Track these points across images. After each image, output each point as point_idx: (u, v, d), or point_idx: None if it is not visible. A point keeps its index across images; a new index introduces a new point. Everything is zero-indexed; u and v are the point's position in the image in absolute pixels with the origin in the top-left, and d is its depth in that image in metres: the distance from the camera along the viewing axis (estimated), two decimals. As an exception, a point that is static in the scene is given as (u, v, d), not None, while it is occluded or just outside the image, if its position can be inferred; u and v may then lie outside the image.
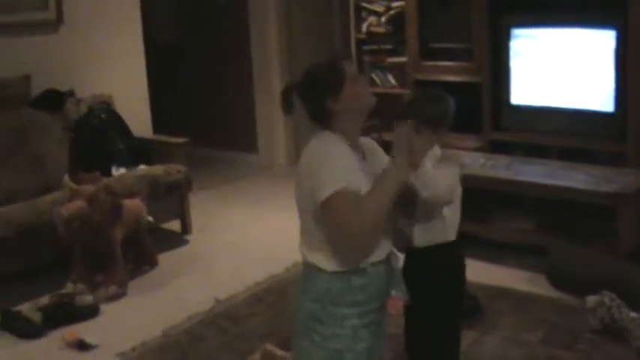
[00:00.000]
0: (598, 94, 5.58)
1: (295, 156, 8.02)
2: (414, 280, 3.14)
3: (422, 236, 3.21)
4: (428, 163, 3.13)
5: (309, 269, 2.97)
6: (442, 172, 3.19)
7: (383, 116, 3.74)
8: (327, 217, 2.83)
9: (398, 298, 4.00)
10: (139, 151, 6.23)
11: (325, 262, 2.91)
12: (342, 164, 2.85)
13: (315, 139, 2.96)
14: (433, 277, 3.27)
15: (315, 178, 2.83)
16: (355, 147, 2.99)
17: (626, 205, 4.93)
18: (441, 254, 3.23)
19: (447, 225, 3.21)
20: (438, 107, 3.30)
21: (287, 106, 3.04)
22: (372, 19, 7.22)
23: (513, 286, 5.01)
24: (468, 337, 4.28)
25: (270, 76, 8.20)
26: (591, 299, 4.41)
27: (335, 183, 2.79)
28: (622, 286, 4.48)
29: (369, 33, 7.24)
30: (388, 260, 3.03)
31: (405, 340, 3.43)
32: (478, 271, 5.19)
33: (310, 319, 2.96)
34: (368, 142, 3.14)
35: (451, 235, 3.25)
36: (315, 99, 2.98)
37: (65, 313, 4.80)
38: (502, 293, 4.90)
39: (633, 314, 4.21)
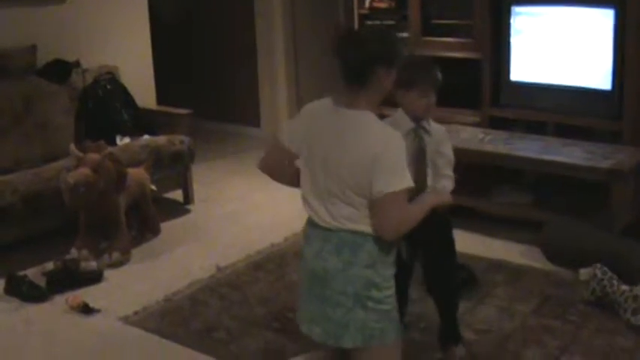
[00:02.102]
0: (596, 72, 5.63)
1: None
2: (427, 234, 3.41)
3: None
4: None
5: (353, 238, 3.00)
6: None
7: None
8: (388, 207, 2.93)
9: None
10: (143, 122, 6.30)
11: (371, 229, 3.01)
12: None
13: (370, 119, 2.98)
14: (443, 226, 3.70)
15: (387, 168, 2.90)
16: None
17: (621, 181, 5.00)
18: None
19: None
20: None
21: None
22: (375, -6, 7.27)
23: (509, 258, 5.10)
24: (462, 307, 4.37)
25: (274, 51, 8.25)
26: (584, 272, 4.51)
27: (407, 180, 2.93)
28: (615, 259, 4.57)
29: (372, 8, 7.27)
30: None
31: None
32: (474, 244, 5.31)
33: (365, 287, 3.02)
34: None
35: None
36: (371, 58, 2.96)
37: (69, 279, 4.88)
38: (497, 265, 4.99)
39: (624, 287, 4.29)
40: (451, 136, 5.62)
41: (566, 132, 5.72)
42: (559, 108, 5.83)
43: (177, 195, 6.42)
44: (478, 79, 6.22)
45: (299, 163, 3.14)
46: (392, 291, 3.13)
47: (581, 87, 5.73)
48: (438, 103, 6.30)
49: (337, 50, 3.01)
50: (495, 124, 6.11)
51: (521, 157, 5.37)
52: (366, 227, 3.00)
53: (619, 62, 5.47)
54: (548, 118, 5.89)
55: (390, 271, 3.11)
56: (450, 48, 6.45)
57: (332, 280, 3.05)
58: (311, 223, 3.15)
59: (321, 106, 3.13)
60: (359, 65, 2.96)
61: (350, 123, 2.99)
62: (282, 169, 3.26)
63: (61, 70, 6.11)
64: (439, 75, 3.58)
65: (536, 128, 5.90)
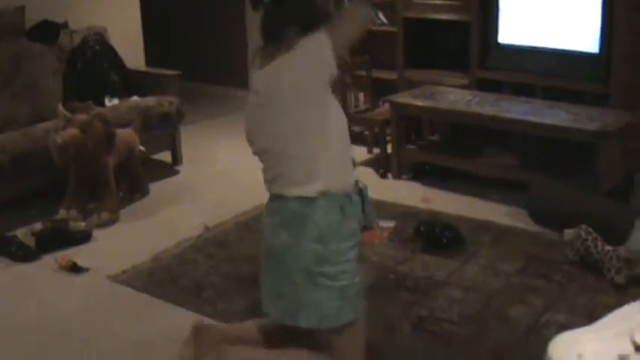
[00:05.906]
0: (584, 35, 5.65)
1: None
2: None
3: None
4: None
5: (304, 206, 2.91)
6: None
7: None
8: None
9: (378, 228, 4.23)
10: (131, 83, 6.29)
11: (325, 182, 2.92)
12: None
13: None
14: None
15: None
16: None
17: (607, 143, 5.04)
18: None
19: None
20: None
21: None
22: (364, -44, 7.23)
23: (495, 219, 5.13)
24: (449, 266, 4.46)
25: (263, 13, 8.21)
26: (568, 232, 4.57)
27: None
28: (599, 221, 4.59)
29: (361, -30, 7.25)
30: (360, 190, 3.10)
31: None
32: (461, 204, 5.37)
33: (315, 262, 2.92)
34: None
35: None
36: (286, 19, 2.94)
37: (59, 239, 4.90)
38: (483, 226, 5.03)
39: (608, 247, 4.33)
40: (439, 98, 5.72)
41: (554, 95, 5.74)
42: (547, 71, 5.85)
43: (165, 156, 6.43)
44: (466, 41, 6.23)
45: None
46: (349, 265, 3.00)
47: (569, 50, 5.75)
48: (427, 65, 6.34)
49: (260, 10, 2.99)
50: (483, 86, 6.12)
51: (507, 119, 5.39)
52: (317, 186, 2.92)
53: (607, 25, 5.48)
54: (535, 81, 5.90)
55: (346, 244, 2.98)
56: (439, 10, 6.43)
57: (284, 254, 2.98)
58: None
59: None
60: (273, 26, 2.95)
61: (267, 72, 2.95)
62: None
63: (49, 31, 6.10)
64: None
65: (523, 91, 5.92)
